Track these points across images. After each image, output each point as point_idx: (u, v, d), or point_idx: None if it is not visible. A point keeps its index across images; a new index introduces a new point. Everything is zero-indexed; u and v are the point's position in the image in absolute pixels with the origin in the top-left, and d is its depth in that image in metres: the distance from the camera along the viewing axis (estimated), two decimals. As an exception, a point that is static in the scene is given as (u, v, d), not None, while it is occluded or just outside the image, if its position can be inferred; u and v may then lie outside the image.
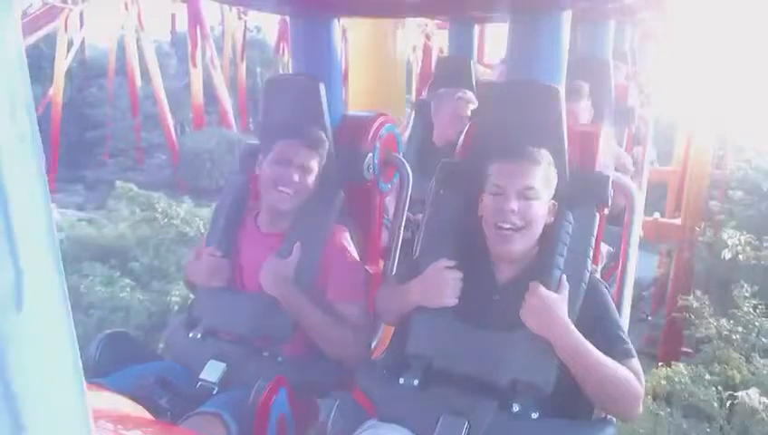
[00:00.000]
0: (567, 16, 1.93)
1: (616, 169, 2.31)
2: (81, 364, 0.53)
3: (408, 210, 2.37)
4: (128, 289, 5.00)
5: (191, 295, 2.27)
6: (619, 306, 1.78)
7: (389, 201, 2.69)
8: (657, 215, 5.17)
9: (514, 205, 1.60)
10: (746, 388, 2.82)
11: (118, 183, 6.55)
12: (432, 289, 1.68)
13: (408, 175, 2.34)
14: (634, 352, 1.57)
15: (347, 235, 2.02)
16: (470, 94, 3.41)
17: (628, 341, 1.58)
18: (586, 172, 1.82)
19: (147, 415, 1.18)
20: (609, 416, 1.57)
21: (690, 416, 2.98)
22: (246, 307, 1.93)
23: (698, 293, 3.95)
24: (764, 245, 4.43)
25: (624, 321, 1.77)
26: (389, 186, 2.39)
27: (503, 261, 1.68)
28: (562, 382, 1.52)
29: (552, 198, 1.67)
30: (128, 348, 1.94)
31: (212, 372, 1.85)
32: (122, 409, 1.11)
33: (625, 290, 1.91)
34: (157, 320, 4.86)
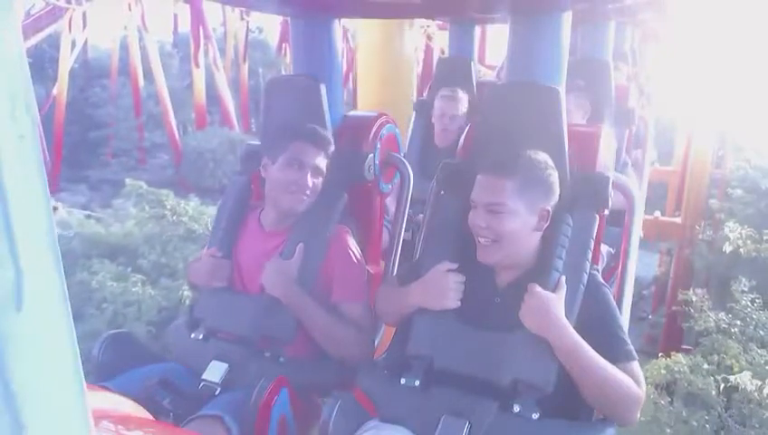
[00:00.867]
0: (567, 17, 1.93)
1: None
2: (80, 364, 0.53)
3: (408, 211, 2.37)
4: (139, 284, 5.04)
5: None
6: (619, 307, 1.78)
7: (390, 202, 2.70)
8: (657, 213, 5.22)
9: (482, 221, 1.60)
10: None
11: (127, 181, 6.62)
12: (434, 292, 1.68)
13: (409, 175, 2.34)
14: (635, 355, 1.56)
15: (349, 235, 2.03)
16: (460, 93, 3.43)
17: (629, 343, 1.58)
18: (586, 173, 1.81)
19: (149, 416, 1.18)
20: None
21: (690, 405, 3.04)
22: (248, 308, 1.93)
23: (698, 290, 4.00)
24: (764, 238, 4.49)
25: (625, 322, 1.77)
26: (390, 186, 2.39)
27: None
28: (563, 383, 1.51)
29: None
30: (130, 349, 1.95)
31: (214, 372, 1.85)
32: (124, 409, 1.12)
33: (625, 291, 1.91)
34: (167, 315, 4.89)
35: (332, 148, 2.02)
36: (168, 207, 6.18)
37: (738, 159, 6.64)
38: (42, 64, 17.18)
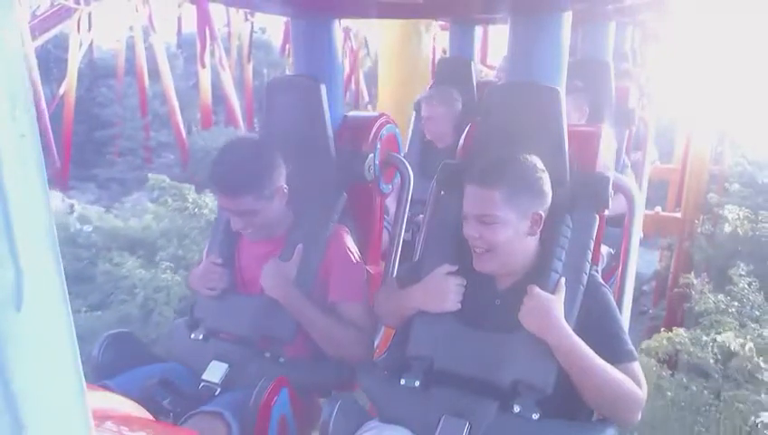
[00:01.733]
0: (567, 17, 1.93)
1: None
2: (80, 364, 0.54)
3: (408, 211, 2.37)
4: (168, 271, 5.17)
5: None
6: (619, 307, 1.78)
7: (390, 202, 2.70)
8: (658, 208, 5.34)
9: (474, 231, 1.59)
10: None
11: (150, 175, 6.80)
12: (434, 296, 1.68)
13: (409, 176, 2.34)
14: (635, 355, 1.56)
15: (348, 235, 2.02)
16: (433, 93, 3.44)
17: (629, 343, 1.58)
18: (586, 173, 1.81)
19: (149, 416, 1.18)
20: None
21: (690, 374, 3.23)
22: (249, 308, 1.93)
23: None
24: (760, 218, 4.73)
25: (625, 322, 1.77)
26: (390, 187, 2.39)
27: None
28: (563, 383, 1.51)
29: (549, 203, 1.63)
30: (130, 349, 1.95)
31: (214, 372, 1.85)
32: (124, 409, 1.12)
33: (625, 291, 1.91)
34: (186, 305, 5.00)
35: (267, 178, 1.86)
36: (191, 199, 6.35)
37: (736, 156, 6.77)
38: (47, 65, 17.20)
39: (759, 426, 2.59)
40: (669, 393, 3.06)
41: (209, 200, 6.33)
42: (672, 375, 3.24)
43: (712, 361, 3.13)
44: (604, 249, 2.77)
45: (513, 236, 1.59)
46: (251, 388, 1.67)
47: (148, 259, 5.35)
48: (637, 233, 1.98)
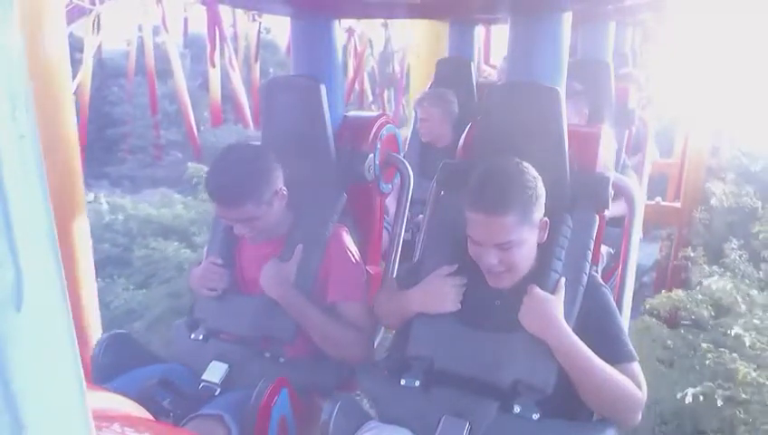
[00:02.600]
0: (567, 17, 1.93)
1: None
2: (80, 364, 0.53)
3: (409, 211, 2.37)
4: None
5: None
6: (619, 307, 1.78)
7: (390, 202, 2.70)
8: (659, 199, 5.57)
9: (494, 258, 1.56)
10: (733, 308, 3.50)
11: (189, 164, 6.99)
12: (434, 298, 1.68)
13: (409, 176, 2.34)
14: (635, 356, 1.56)
15: (347, 234, 2.02)
16: (427, 95, 3.46)
17: (629, 344, 1.58)
18: (586, 174, 1.81)
19: (149, 416, 1.18)
20: None
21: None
22: (249, 308, 1.93)
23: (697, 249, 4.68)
24: (743, 193, 5.26)
25: (625, 322, 1.77)
26: (390, 186, 2.39)
27: None
28: (563, 383, 1.51)
29: (549, 202, 1.61)
30: (130, 349, 1.95)
31: (214, 372, 1.85)
32: (124, 409, 1.11)
33: (625, 291, 1.91)
34: None
35: (265, 184, 1.86)
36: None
37: (733, 149, 7.01)
38: None
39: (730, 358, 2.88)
40: (669, 342, 3.37)
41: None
42: (671, 331, 3.59)
43: (705, 313, 3.47)
44: (604, 249, 2.78)
45: (530, 249, 1.59)
46: (251, 388, 1.67)
47: (186, 243, 5.55)
48: (637, 233, 1.98)
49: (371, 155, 2.22)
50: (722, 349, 2.93)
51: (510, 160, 1.59)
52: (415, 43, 5.56)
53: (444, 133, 3.39)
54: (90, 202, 6.27)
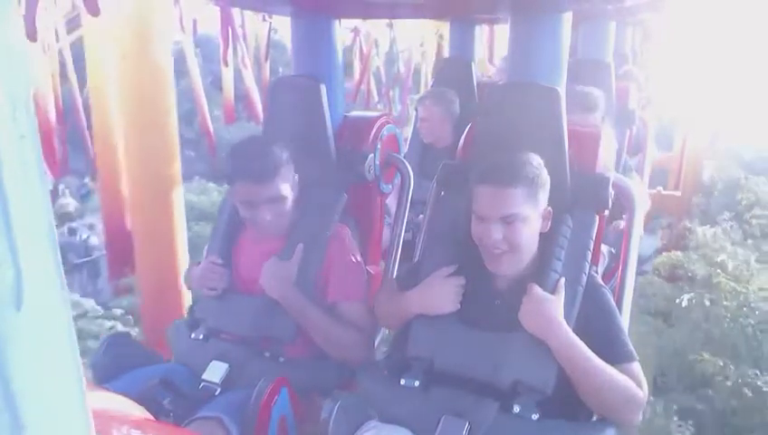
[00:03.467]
0: (567, 17, 1.93)
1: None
2: (80, 364, 0.54)
3: (409, 211, 2.37)
4: None
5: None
6: (619, 307, 1.78)
7: (391, 202, 2.70)
8: (660, 188, 5.97)
9: (498, 233, 1.56)
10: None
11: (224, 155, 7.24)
12: (433, 299, 1.68)
13: (410, 176, 2.34)
14: (635, 356, 1.56)
15: (348, 234, 2.02)
16: (428, 94, 3.46)
17: (629, 344, 1.57)
18: (586, 174, 1.81)
19: (149, 416, 1.18)
20: None
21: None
22: (249, 308, 1.93)
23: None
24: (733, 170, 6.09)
25: (625, 322, 1.77)
26: (391, 187, 2.39)
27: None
28: (563, 384, 1.51)
29: (549, 202, 1.63)
30: (131, 350, 1.95)
31: (214, 372, 1.85)
32: (125, 409, 1.11)
33: (625, 291, 1.91)
34: None
35: (285, 158, 1.88)
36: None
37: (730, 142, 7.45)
38: (81, 62, 17.30)
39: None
40: (668, 292, 3.87)
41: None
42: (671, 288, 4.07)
43: (701, 273, 3.96)
44: (604, 249, 2.78)
45: (532, 233, 1.59)
46: (251, 388, 1.67)
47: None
48: (637, 233, 1.98)
49: (372, 155, 2.22)
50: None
51: (516, 151, 1.63)
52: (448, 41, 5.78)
53: (444, 133, 3.39)
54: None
